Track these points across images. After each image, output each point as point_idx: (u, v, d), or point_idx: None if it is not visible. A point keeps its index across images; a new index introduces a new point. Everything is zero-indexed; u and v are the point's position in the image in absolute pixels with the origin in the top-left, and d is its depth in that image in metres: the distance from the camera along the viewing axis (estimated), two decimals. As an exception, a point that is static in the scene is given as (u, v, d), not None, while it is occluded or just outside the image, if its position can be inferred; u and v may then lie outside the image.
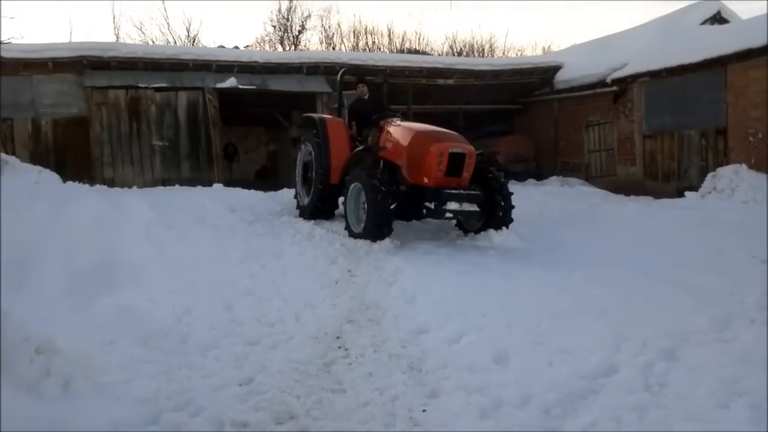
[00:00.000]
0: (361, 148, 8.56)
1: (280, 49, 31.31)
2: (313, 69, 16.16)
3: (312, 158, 9.38)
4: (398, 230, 7.91)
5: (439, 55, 29.31)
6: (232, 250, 7.11)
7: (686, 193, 12.47)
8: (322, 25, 38.38)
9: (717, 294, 5.33)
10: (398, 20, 61.34)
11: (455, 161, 7.59)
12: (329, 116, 9.67)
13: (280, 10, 32.96)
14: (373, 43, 33.45)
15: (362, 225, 7.75)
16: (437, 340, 4.59)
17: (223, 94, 14.83)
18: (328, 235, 8.17)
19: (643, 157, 15.47)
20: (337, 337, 4.79)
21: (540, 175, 17.07)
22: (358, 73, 16.20)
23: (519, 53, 32.57)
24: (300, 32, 32.55)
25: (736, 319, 4.74)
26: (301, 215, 9.49)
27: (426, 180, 7.58)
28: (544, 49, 33.21)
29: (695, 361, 4.00)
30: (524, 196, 9.73)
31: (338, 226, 8.57)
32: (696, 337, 4.45)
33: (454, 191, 7.53)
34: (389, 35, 34.08)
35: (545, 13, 52.92)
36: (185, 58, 14.66)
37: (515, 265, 6.75)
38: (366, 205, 7.60)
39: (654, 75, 15.22)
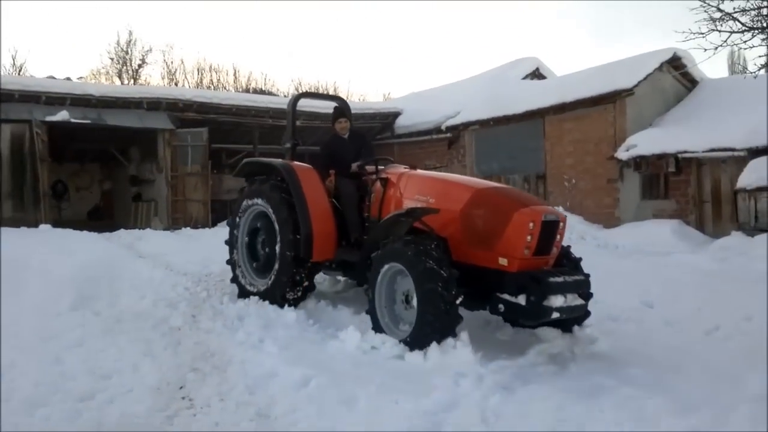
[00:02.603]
0: (399, 212, 5.73)
1: (118, 82, 29.91)
2: (155, 105, 15.64)
3: (273, 222, 6.77)
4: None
5: (285, 96, 29.53)
6: (62, 297, 6.61)
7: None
8: (164, 60, 37.31)
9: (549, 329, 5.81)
10: (243, 60, 61.15)
11: (547, 233, 5.33)
12: (297, 163, 6.99)
13: (119, 43, 31.58)
14: (218, 80, 33.06)
15: (408, 327, 5.26)
16: (285, 385, 4.55)
17: (54, 128, 13.87)
18: (170, 278, 7.87)
19: (476, 200, 16.60)
20: (181, 387, 4.62)
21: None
22: (203, 111, 16.12)
23: (361, 98, 33.76)
24: (140, 66, 31.36)
25: (565, 352, 5.27)
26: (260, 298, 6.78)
27: (505, 261, 5.22)
28: (384, 95, 34.74)
29: (528, 393, 4.33)
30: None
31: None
32: (529, 370, 4.85)
33: (558, 279, 5.14)
34: (234, 74, 33.88)
35: (386, 60, 55.52)
36: (10, 89, 13.57)
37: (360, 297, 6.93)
38: (417, 299, 5.11)
39: (483, 124, 16.52)
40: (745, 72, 13.77)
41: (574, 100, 14.40)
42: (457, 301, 5.02)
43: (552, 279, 5.08)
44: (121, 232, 12.62)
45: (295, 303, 6.60)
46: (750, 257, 9.63)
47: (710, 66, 69.82)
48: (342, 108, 7.42)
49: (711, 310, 6.64)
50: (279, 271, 6.59)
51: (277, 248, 6.63)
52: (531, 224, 5.18)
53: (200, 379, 4.77)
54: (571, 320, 5.45)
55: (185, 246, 11.18)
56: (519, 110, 15.42)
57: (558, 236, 5.47)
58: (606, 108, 14.15)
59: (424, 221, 5.59)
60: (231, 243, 7.33)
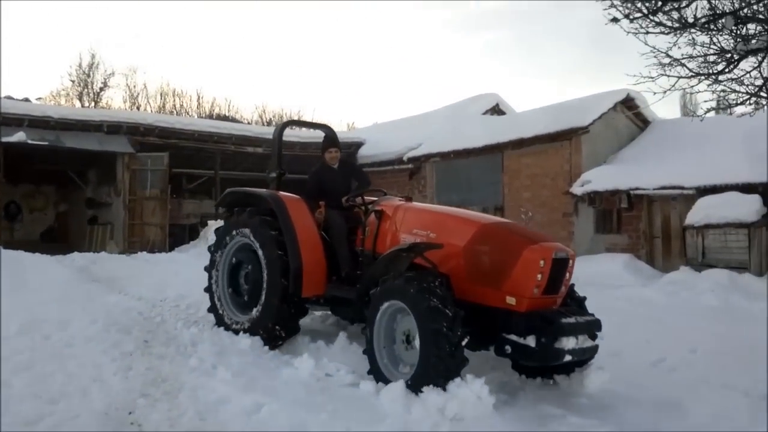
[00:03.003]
0: (401, 247, 5.44)
1: (78, 104, 29.56)
2: (115, 128, 15.53)
3: (258, 256, 6.42)
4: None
5: (248, 123, 29.59)
6: (10, 320, 6.46)
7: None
8: (127, 84, 37.09)
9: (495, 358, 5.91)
10: (207, 85, 61.04)
11: (556, 271, 5.05)
12: (285, 193, 6.68)
13: (80, 65, 31.22)
14: (181, 105, 32.94)
15: (410, 368, 4.95)
16: (237, 411, 4.53)
17: (10, 148, 13.61)
18: (124, 303, 7.76)
19: (435, 230, 16.83)
20: (130, 413, 4.55)
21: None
22: (165, 135, 16.03)
23: (326, 126, 33.92)
24: (102, 89, 31.05)
25: (515, 381, 5.39)
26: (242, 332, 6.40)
27: (513, 301, 4.93)
28: (348, 125, 35.04)
29: (477, 422, 4.35)
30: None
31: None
32: (479, 399, 4.91)
33: (570, 319, 4.90)
34: (198, 99, 33.78)
35: (350, 91, 56.15)
36: (-35, 109, 13.32)
37: (316, 324, 6.94)
38: (420, 340, 4.79)
39: (444, 156, 16.82)
40: (693, 115, 14.38)
41: (532, 136, 14.81)
42: (463, 343, 4.70)
43: (564, 320, 4.83)
44: (75, 255, 12.39)
45: (282, 340, 6.25)
46: (697, 292, 9.95)
47: (664, 107, 72.62)
48: (332, 137, 7.19)
49: (658, 342, 6.84)
50: (265, 307, 6.23)
51: (264, 284, 6.26)
52: (542, 262, 4.89)
53: (150, 405, 4.70)
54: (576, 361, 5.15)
55: (141, 270, 11.04)
56: (479, 144, 15.77)
57: (567, 274, 5.18)
58: (562, 144, 14.58)
59: (426, 256, 5.29)
60: (216, 276, 6.95)
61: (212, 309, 6.91)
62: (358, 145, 19.32)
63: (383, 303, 5.10)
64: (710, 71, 8.53)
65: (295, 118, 33.88)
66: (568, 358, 4.79)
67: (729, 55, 8.21)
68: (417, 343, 4.83)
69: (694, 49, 8.40)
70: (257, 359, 5.77)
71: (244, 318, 6.51)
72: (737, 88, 8.42)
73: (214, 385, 5.06)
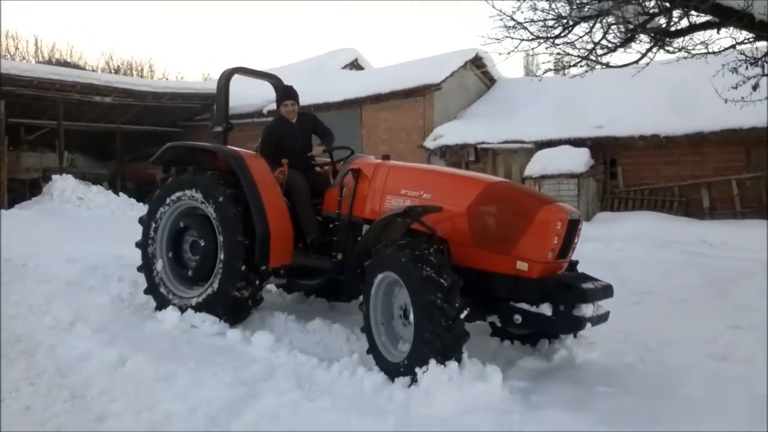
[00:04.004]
0: (396, 211, 4.74)
1: None
2: (-61, 72, 13.96)
3: (211, 222, 5.62)
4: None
5: (93, 70, 27.56)
6: None
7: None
8: (-51, 21, 33.07)
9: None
10: (46, 29, 55.67)
11: (569, 234, 4.66)
12: (244, 150, 5.84)
13: None
14: (16, 48, 29.98)
15: (407, 346, 4.39)
16: (100, 366, 4.51)
17: None
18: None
19: (296, 184, 17.01)
20: (-16, 376, 4.43)
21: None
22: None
23: (179, 77, 32.51)
24: None
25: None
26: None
27: (524, 266, 4.49)
28: (204, 75, 33.72)
29: (337, 364, 4.61)
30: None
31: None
32: (334, 342, 5.23)
33: (589, 285, 4.51)
34: (36, 43, 30.92)
35: (205, 39, 53.75)
36: None
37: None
38: (414, 314, 4.26)
39: (303, 109, 16.79)
40: (533, 75, 15.48)
41: (389, 92, 15.29)
42: (462, 315, 4.19)
43: (586, 285, 4.46)
44: None
45: (240, 319, 5.57)
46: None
47: (511, 67, 76.58)
48: (288, 88, 6.33)
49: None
50: (223, 281, 5.43)
51: (221, 254, 5.48)
52: (558, 224, 4.52)
53: (6, 365, 4.60)
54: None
55: (-23, 229, 10.24)
56: (338, 98, 16.00)
57: (576, 238, 4.82)
58: (417, 100, 15.20)
59: (423, 221, 4.71)
60: (144, 246, 6.03)
61: (150, 290, 5.95)
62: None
63: (377, 275, 4.57)
64: (548, 35, 9.26)
65: (147, 66, 32.10)
66: (588, 326, 4.44)
67: (565, 21, 8.94)
68: (413, 317, 4.32)
69: (535, 13, 9.07)
70: (117, 314, 5.74)
71: (192, 294, 5.72)
72: (571, 51, 9.22)
73: (74, 341, 4.99)
